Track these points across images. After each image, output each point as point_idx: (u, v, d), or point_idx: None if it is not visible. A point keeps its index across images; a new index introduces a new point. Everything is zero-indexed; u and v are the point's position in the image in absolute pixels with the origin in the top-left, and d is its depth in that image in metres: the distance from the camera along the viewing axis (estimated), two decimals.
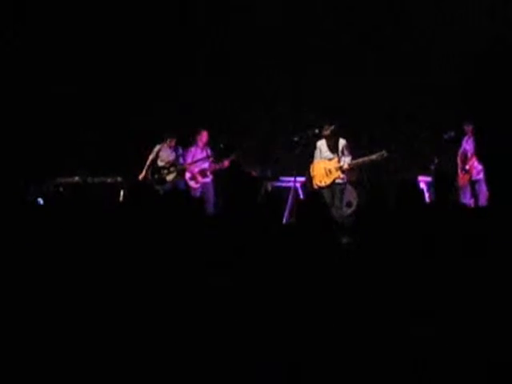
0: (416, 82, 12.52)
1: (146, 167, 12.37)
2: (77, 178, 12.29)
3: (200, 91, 13.39)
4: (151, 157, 12.36)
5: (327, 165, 11.07)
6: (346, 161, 10.92)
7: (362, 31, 12.88)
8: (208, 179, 12.28)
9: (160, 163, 12.34)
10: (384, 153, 10.77)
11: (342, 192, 10.99)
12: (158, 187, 11.72)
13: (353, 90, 12.73)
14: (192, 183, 12.28)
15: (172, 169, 12.25)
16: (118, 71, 13.37)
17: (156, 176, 12.21)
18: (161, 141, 12.40)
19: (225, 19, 13.50)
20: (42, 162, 12.53)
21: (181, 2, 13.60)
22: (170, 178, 12.24)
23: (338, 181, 10.96)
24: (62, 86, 13.06)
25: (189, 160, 12.34)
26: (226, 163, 12.01)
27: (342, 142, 11.01)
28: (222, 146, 12.19)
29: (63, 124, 13.13)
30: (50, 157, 12.78)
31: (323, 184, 11.05)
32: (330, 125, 10.93)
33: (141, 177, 12.28)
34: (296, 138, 11.27)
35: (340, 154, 10.94)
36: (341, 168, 10.92)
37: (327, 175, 11.04)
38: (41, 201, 6.17)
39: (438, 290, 3.49)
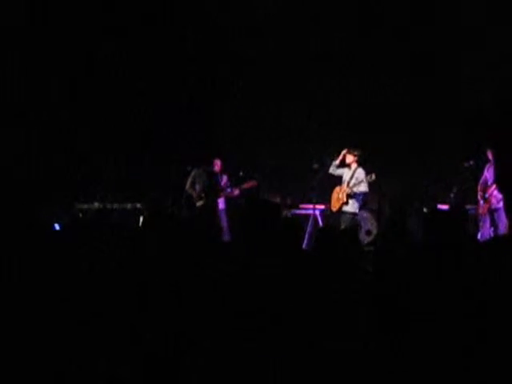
0: (438, 110, 12.53)
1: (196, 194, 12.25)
2: (96, 204, 12.33)
3: (218, 118, 13.50)
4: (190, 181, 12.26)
5: (340, 191, 11.06)
6: (350, 187, 10.94)
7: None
8: (220, 206, 12.21)
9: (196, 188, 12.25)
10: (372, 175, 10.74)
11: (353, 221, 10.97)
12: (185, 212, 11.80)
13: (373, 117, 12.81)
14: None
15: (203, 195, 12.16)
16: (139, 97, 13.37)
17: (185, 201, 12.17)
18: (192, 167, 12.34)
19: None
20: (62, 188, 12.51)
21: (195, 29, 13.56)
22: (199, 204, 12.16)
23: (345, 208, 10.97)
24: (80, 111, 13.07)
25: None
26: (236, 192, 11.97)
27: (358, 171, 11.02)
28: (241, 173, 12.20)
29: (83, 149, 13.12)
30: (70, 182, 12.80)
31: (333, 209, 11.14)
32: (354, 153, 10.95)
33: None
34: (315, 166, 11.39)
35: (354, 181, 10.93)
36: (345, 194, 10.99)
37: (337, 201, 11.10)
38: (57, 226, 6.14)
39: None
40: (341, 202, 11.02)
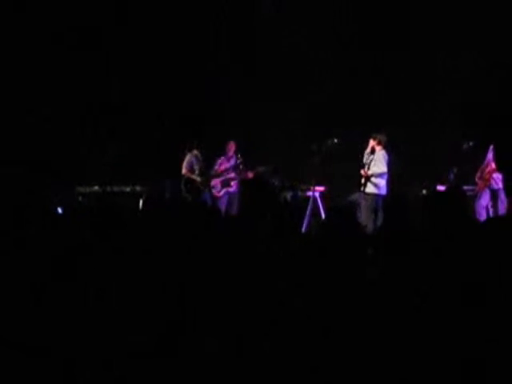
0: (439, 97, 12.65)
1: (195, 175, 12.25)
2: (96, 187, 12.34)
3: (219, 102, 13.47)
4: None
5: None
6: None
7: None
8: (232, 189, 12.25)
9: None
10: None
11: (364, 200, 11.07)
12: (187, 195, 11.81)
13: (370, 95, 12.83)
14: (215, 192, 12.30)
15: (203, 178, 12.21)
16: (141, 83, 13.37)
17: (188, 186, 12.16)
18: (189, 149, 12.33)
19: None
20: (62, 171, 12.52)
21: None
22: (204, 186, 12.25)
23: (366, 190, 11.12)
24: (81, 96, 13.12)
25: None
26: (251, 174, 11.97)
27: (377, 154, 11.16)
28: (239, 158, 12.21)
29: (82, 133, 13.13)
30: (70, 166, 12.78)
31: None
32: (374, 137, 11.17)
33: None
34: (314, 147, 11.37)
35: (372, 163, 11.10)
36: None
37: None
38: (60, 210, 6.17)
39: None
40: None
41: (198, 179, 12.12)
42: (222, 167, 12.32)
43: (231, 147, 12.33)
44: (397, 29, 12.77)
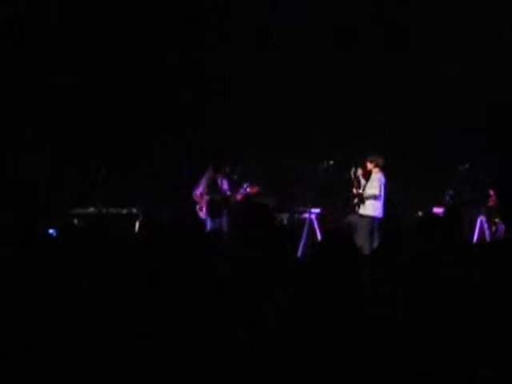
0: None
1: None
2: (92, 209, 12.17)
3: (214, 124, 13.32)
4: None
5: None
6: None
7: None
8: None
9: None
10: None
11: (360, 222, 10.96)
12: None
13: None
14: (201, 214, 11.66)
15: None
16: (133, 99, 13.23)
17: (210, 208, 11.58)
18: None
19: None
20: (58, 193, 12.46)
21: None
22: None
23: (360, 211, 11.06)
24: (74, 115, 12.97)
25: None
26: (239, 197, 11.49)
27: (374, 176, 11.08)
28: (235, 177, 11.76)
29: (78, 154, 12.97)
30: (65, 188, 12.70)
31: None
32: (370, 160, 11.10)
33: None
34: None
35: (368, 184, 11.07)
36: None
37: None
38: (53, 232, 6.11)
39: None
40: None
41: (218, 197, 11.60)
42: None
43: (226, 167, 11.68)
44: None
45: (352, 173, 11.21)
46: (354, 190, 11.12)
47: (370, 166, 11.20)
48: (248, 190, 11.42)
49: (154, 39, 13.01)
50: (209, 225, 11.37)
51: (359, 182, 11.21)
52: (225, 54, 13.27)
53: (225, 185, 11.65)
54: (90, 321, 3.61)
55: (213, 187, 11.57)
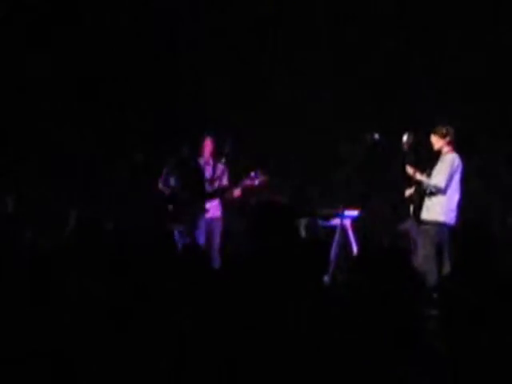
0: None
1: None
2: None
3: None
4: None
5: None
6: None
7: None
8: (213, 213, 9.21)
9: None
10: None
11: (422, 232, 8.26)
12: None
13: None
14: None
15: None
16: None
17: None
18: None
19: None
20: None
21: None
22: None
23: (423, 216, 8.35)
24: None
25: None
26: (237, 193, 8.97)
27: (444, 157, 8.22)
28: (223, 160, 9.24)
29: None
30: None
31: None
32: (441, 132, 8.18)
33: None
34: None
35: (435, 171, 8.28)
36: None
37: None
38: None
39: None
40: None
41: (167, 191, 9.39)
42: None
43: (206, 145, 9.19)
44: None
45: (405, 143, 8.31)
46: (411, 171, 8.22)
47: (439, 142, 8.25)
48: (258, 181, 8.93)
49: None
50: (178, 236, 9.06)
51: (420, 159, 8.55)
52: None
53: (216, 171, 9.37)
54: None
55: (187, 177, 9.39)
